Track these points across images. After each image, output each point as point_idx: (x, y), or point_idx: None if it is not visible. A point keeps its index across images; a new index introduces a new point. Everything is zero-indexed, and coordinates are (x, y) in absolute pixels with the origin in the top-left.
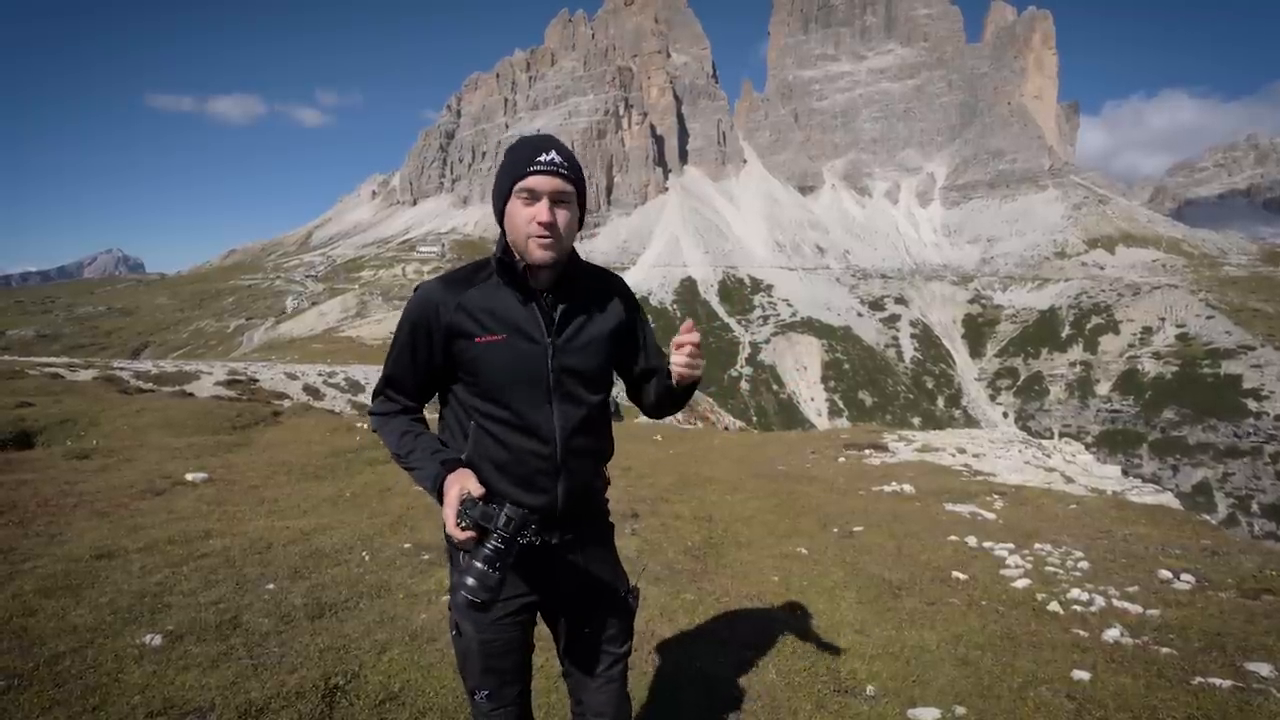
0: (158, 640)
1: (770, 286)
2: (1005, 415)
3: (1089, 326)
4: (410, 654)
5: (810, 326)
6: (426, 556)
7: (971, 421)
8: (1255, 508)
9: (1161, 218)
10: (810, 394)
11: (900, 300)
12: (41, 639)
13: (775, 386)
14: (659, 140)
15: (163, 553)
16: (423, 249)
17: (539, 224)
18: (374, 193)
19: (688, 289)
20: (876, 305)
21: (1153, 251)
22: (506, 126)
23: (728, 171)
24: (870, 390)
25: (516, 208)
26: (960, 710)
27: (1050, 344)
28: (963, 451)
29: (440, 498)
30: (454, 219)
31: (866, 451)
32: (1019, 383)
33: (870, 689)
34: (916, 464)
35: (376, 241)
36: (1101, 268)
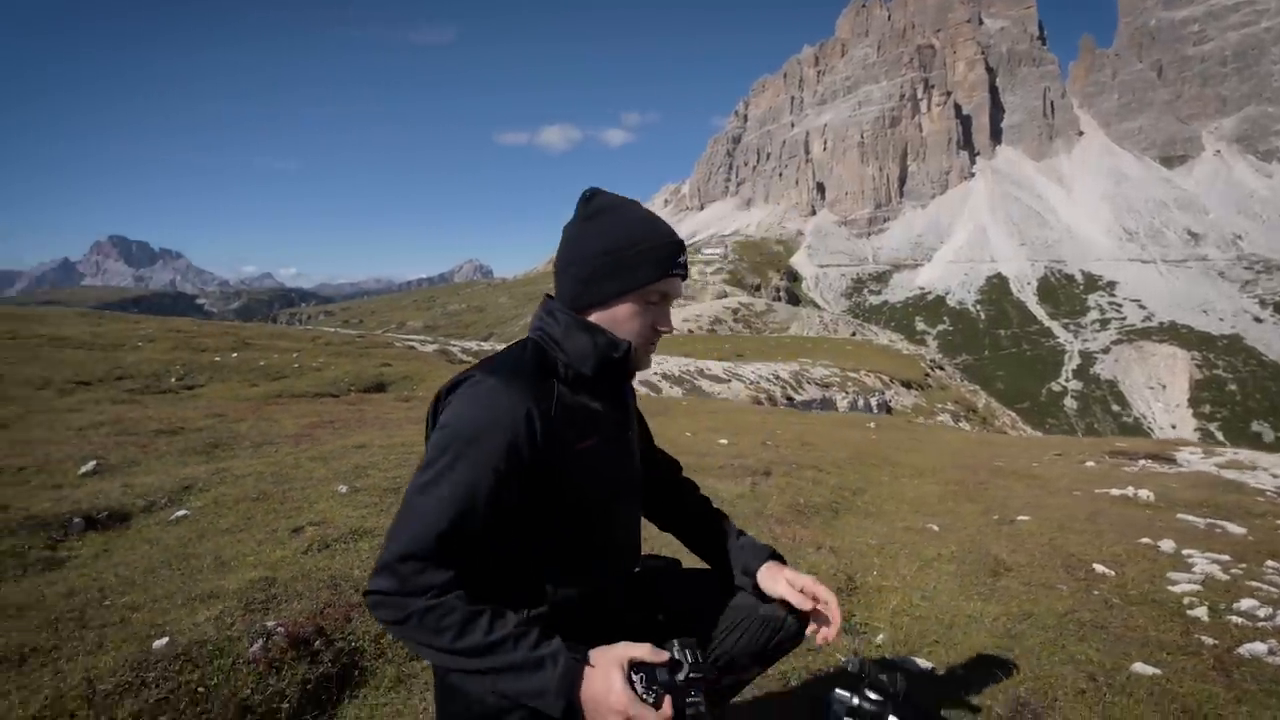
0: (343, 489)
1: (1112, 284)
2: None
3: None
4: None
5: (1173, 333)
6: None
7: None
8: None
9: None
10: (1170, 419)
11: None
12: (292, 481)
13: (1116, 407)
14: (964, 121)
15: (393, 448)
16: (706, 251)
17: (658, 331)
18: (666, 201)
19: (996, 287)
20: None
21: None
22: (792, 125)
23: (1055, 148)
24: (1274, 421)
25: (640, 308)
26: (960, 672)
27: None
28: None
29: (569, 708)
30: (737, 221)
31: (1142, 462)
32: None
33: (880, 638)
34: (1193, 475)
35: None
36: None
